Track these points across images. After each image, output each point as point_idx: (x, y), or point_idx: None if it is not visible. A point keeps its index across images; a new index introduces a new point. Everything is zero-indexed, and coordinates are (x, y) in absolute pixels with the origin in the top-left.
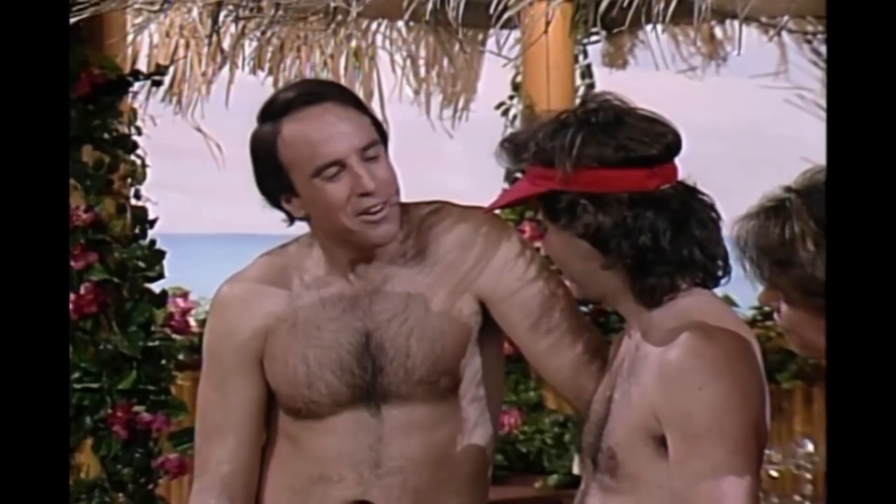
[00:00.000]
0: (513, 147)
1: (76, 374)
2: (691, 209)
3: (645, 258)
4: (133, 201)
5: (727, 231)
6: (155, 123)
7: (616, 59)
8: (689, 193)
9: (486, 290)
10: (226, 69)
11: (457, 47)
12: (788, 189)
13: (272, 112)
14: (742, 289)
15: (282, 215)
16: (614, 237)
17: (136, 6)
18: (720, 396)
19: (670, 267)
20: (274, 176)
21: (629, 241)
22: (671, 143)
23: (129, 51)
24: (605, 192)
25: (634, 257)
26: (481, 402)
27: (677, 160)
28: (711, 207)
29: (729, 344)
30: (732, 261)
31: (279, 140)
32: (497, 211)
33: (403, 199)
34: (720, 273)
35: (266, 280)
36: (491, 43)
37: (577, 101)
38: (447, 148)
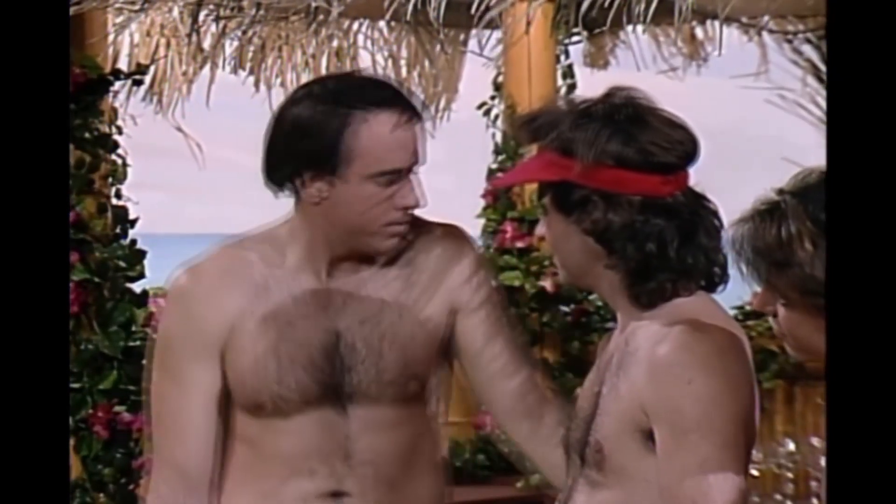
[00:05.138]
0: (533, 129)
1: None
2: (700, 217)
3: (648, 264)
4: (114, 201)
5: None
6: (136, 123)
7: (597, 60)
8: (697, 200)
9: (453, 301)
10: (206, 69)
11: (438, 47)
12: (781, 191)
13: (343, 97)
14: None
15: (262, 215)
16: (621, 239)
17: (117, 5)
18: (709, 391)
19: (673, 274)
20: (313, 156)
21: (635, 244)
22: (689, 151)
23: (110, 50)
24: (619, 192)
25: (638, 261)
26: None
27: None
28: (715, 214)
29: (719, 340)
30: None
31: (349, 129)
32: (480, 208)
33: None
34: (719, 280)
35: (232, 271)
36: (472, 43)
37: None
38: (429, 148)
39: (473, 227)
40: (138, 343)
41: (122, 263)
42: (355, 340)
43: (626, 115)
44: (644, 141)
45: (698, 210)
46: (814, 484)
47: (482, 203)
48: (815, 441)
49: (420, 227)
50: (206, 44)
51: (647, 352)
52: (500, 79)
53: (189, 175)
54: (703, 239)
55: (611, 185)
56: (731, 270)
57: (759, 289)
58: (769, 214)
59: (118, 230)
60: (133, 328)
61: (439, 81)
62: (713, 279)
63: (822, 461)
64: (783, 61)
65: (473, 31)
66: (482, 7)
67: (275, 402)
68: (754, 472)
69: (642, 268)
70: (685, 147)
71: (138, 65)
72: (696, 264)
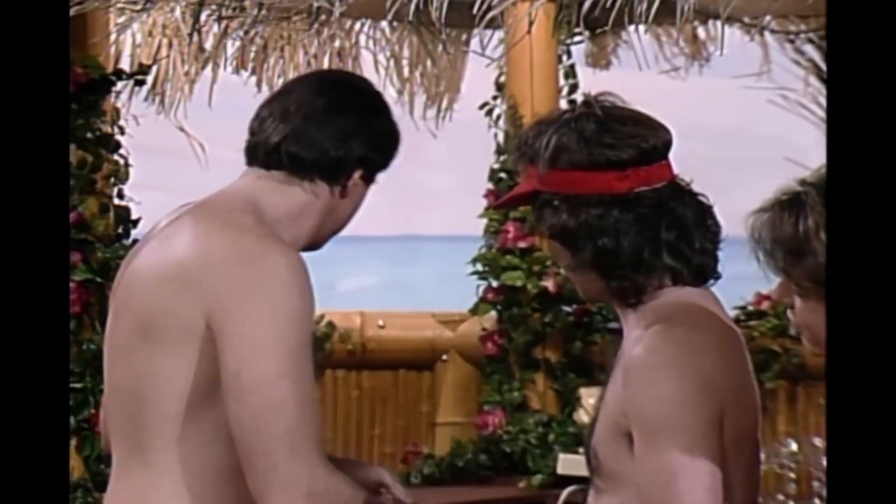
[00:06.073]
0: (514, 146)
1: None
2: (665, 211)
3: (607, 259)
4: (116, 201)
5: (735, 228)
6: (138, 123)
7: (599, 60)
8: (676, 196)
9: None
10: (209, 69)
11: (440, 47)
12: (803, 182)
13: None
14: (725, 289)
15: None
16: (580, 238)
17: (119, 5)
18: (674, 392)
19: (629, 269)
20: (382, 161)
21: (592, 242)
22: (650, 147)
23: (112, 50)
24: (577, 193)
25: (597, 258)
26: None
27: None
28: (707, 211)
29: (691, 338)
30: (725, 259)
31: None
32: (482, 208)
33: (387, 198)
34: (690, 276)
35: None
36: (474, 43)
37: (563, 100)
38: (431, 148)
39: (475, 227)
40: None
41: None
42: None
43: (581, 122)
44: (595, 140)
45: (667, 204)
46: (816, 484)
47: (484, 203)
48: (818, 441)
49: None
50: (208, 44)
51: (626, 354)
52: (503, 79)
53: (191, 175)
54: (664, 233)
55: (569, 188)
56: (732, 269)
57: (761, 290)
58: (788, 205)
59: (120, 230)
60: None
61: (441, 81)
62: (683, 276)
63: (825, 461)
64: (785, 61)
65: (475, 31)
66: (484, 7)
67: None
68: None
69: (604, 265)
70: (645, 143)
71: (140, 65)
72: (656, 258)
